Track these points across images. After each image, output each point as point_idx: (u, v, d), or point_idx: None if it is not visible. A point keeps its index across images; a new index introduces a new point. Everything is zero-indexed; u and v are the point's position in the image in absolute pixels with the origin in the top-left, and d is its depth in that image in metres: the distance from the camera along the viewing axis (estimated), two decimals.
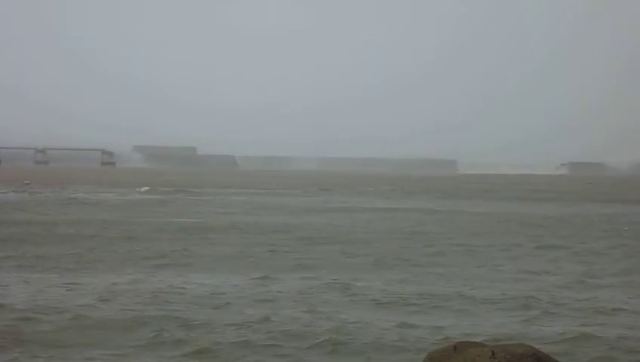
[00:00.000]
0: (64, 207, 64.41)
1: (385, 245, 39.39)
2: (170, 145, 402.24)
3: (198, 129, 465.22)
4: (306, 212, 64.13)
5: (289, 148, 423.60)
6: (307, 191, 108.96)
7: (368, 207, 72.39)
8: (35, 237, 40.31)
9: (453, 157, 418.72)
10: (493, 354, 5.83)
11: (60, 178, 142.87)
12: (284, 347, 18.01)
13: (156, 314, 20.85)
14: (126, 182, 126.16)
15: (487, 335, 17.57)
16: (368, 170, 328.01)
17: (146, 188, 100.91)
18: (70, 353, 17.57)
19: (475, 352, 6.10)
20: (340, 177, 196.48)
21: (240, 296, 23.99)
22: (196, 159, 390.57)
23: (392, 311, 22.14)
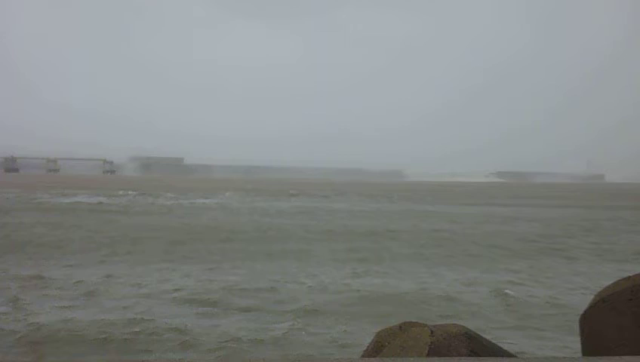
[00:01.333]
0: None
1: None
2: (161, 156, 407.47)
3: (186, 144, 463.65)
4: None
5: (256, 160, 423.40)
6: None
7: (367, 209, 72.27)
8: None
9: (399, 167, 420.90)
10: (432, 332, 5.76)
11: (120, 182, 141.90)
12: None
13: None
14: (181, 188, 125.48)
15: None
16: (325, 178, 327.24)
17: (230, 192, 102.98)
18: None
19: (417, 331, 5.99)
20: (311, 185, 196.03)
21: None
22: (183, 168, 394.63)
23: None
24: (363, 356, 6.65)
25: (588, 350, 6.01)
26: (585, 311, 6.12)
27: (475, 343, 5.67)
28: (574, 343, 14.08)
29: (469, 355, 5.51)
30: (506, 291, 21.49)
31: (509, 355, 5.96)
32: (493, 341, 6.11)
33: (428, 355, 5.53)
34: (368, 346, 6.57)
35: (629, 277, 5.98)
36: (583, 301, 18.67)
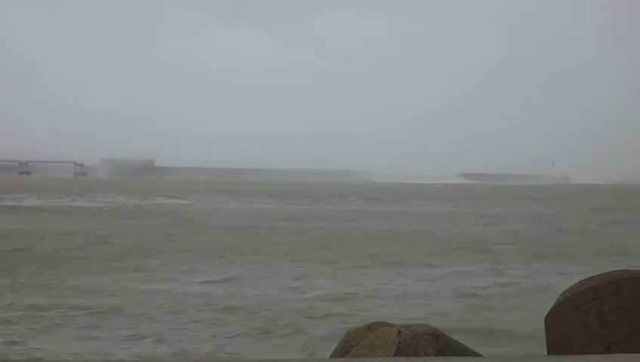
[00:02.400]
0: None
1: None
2: (132, 158, 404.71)
3: (158, 145, 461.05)
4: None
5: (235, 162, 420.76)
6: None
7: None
8: None
9: (369, 168, 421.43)
10: (399, 332, 5.78)
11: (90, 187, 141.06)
12: None
13: None
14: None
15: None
16: (294, 180, 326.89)
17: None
18: None
19: (385, 331, 6.01)
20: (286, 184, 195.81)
21: None
22: (154, 170, 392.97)
23: None
24: (332, 356, 6.66)
25: (553, 349, 6.06)
26: (550, 311, 6.16)
27: (442, 342, 5.69)
28: None
29: (436, 354, 5.54)
30: None
31: (476, 354, 5.99)
32: (460, 340, 6.13)
33: (395, 355, 5.55)
34: (337, 346, 6.58)
35: (593, 277, 6.05)
36: None
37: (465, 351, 5.84)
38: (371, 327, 6.34)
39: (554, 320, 6.11)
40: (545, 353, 6.19)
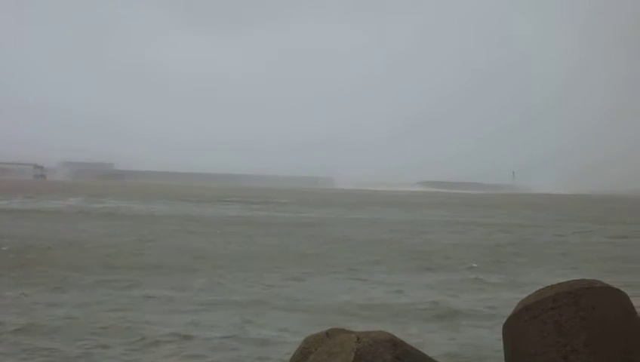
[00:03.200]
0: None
1: None
2: (92, 161, 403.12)
3: (116, 148, 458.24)
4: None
5: (198, 166, 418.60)
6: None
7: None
8: None
9: (330, 175, 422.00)
10: (358, 339, 5.76)
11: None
12: None
13: None
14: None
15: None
16: (257, 185, 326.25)
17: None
18: None
19: (344, 337, 5.98)
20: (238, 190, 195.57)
21: None
22: (113, 174, 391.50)
23: None
24: None
25: (511, 356, 6.08)
26: (508, 319, 6.17)
27: (400, 350, 5.67)
28: None
29: (394, 361, 5.52)
30: None
31: (434, 361, 5.98)
32: (418, 347, 6.12)
33: (354, 361, 5.53)
34: (295, 352, 6.54)
35: (552, 286, 6.06)
36: None
37: (423, 358, 5.83)
38: (330, 334, 6.32)
39: (512, 328, 6.12)
40: (503, 360, 6.22)
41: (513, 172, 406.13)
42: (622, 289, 5.97)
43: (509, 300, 22.04)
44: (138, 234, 44.66)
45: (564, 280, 6.08)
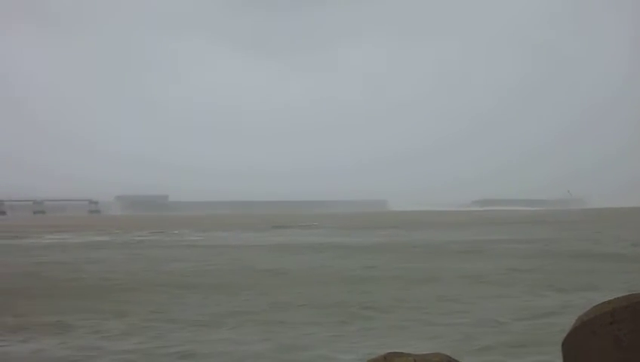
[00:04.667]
0: None
1: None
2: (146, 194, 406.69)
3: (170, 181, 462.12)
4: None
5: (247, 194, 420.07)
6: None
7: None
8: None
9: (383, 197, 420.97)
10: (414, 361, 5.79)
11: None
12: None
13: None
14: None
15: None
16: (313, 211, 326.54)
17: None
18: None
19: (401, 361, 6.02)
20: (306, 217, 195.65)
21: None
22: (168, 205, 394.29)
23: None
24: None
25: None
26: (566, 336, 6.14)
27: None
28: None
29: None
30: None
31: None
32: None
33: None
34: None
35: (609, 301, 6.02)
36: None
37: None
38: (387, 358, 6.35)
39: (571, 345, 6.09)
40: None
41: (568, 190, 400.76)
42: None
43: None
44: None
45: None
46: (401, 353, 6.43)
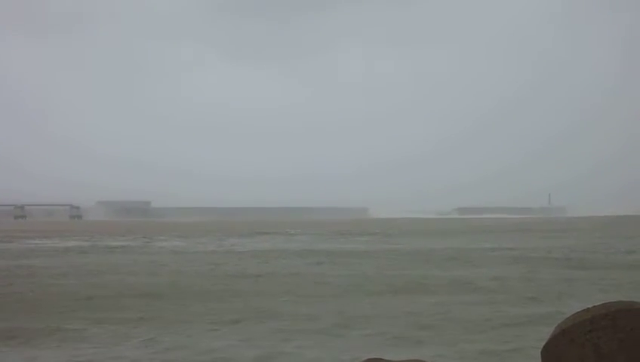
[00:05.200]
0: None
1: None
2: (128, 199, 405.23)
3: (152, 186, 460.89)
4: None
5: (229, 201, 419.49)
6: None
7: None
8: None
9: (364, 205, 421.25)
10: None
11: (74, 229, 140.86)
12: None
13: None
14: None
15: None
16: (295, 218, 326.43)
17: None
18: None
19: None
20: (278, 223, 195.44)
21: None
22: (150, 211, 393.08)
23: None
24: None
25: None
26: (546, 343, 6.14)
27: None
28: None
29: None
30: None
31: None
32: None
33: None
34: None
35: (588, 309, 6.03)
36: None
37: None
38: None
39: (550, 352, 6.09)
40: None
41: (549, 195, 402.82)
42: None
43: None
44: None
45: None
46: (381, 359, 6.42)
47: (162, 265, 47.54)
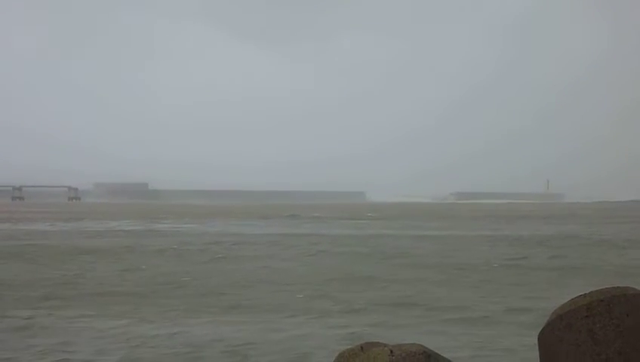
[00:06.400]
0: None
1: None
2: (125, 182, 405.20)
3: (150, 167, 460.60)
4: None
5: (225, 185, 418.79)
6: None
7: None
8: None
9: (361, 188, 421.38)
10: (391, 352, 5.78)
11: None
12: None
13: None
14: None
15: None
16: (284, 202, 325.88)
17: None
18: None
19: (377, 351, 6.02)
20: (273, 208, 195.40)
21: None
22: (148, 193, 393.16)
23: None
24: None
25: None
26: (542, 329, 6.17)
27: (433, 361, 5.69)
28: None
29: None
30: None
31: None
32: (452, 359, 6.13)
33: None
34: None
35: (585, 294, 6.05)
36: None
37: None
38: (364, 348, 6.34)
39: (547, 338, 6.11)
40: None
41: (548, 181, 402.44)
42: None
43: None
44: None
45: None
46: (378, 343, 6.43)
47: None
